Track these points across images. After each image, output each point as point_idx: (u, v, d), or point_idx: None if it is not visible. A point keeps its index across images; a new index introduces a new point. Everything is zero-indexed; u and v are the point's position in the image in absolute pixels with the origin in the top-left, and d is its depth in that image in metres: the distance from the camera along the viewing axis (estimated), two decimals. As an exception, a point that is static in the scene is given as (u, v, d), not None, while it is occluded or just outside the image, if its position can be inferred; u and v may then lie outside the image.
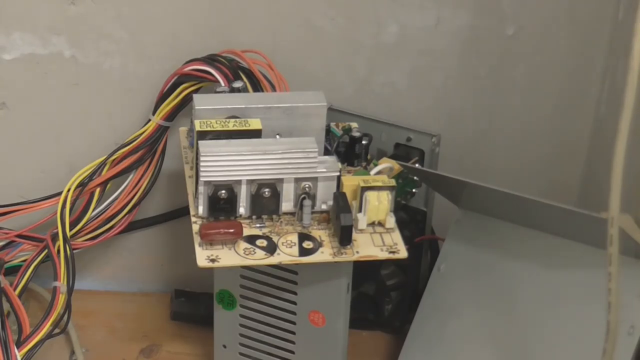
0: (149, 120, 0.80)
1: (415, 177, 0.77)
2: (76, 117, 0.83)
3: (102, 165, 0.79)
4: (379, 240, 0.64)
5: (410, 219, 0.80)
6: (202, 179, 0.62)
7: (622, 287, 0.56)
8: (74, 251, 0.76)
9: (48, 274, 0.75)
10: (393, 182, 0.64)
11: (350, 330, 0.71)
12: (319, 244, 0.63)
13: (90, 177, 0.78)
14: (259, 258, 0.62)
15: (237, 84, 0.72)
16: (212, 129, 0.64)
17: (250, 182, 0.63)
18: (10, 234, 0.80)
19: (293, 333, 0.72)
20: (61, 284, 0.73)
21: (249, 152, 0.62)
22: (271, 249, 0.62)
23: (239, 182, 0.63)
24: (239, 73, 0.76)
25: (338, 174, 0.64)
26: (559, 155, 0.90)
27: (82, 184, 0.78)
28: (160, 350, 0.82)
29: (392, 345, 0.83)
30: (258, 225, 0.64)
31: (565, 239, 0.70)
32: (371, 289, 0.83)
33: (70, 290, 0.73)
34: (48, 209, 0.80)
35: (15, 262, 0.80)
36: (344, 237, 0.62)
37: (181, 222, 0.85)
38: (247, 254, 0.62)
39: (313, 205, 0.64)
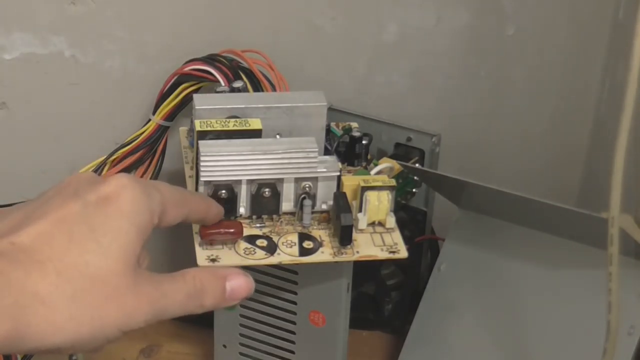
0: (149, 120, 0.80)
1: (415, 177, 0.77)
2: (76, 117, 0.83)
3: (102, 165, 0.79)
4: (379, 240, 0.64)
5: (410, 219, 0.80)
6: (202, 178, 0.62)
7: (622, 287, 0.56)
8: (74, 251, 0.76)
9: (48, 274, 0.75)
10: (393, 182, 0.64)
11: (350, 330, 0.71)
12: (319, 244, 0.63)
13: (90, 177, 0.78)
14: (259, 258, 0.62)
15: (237, 84, 0.72)
16: (212, 128, 0.64)
17: (250, 182, 0.63)
18: (10, 234, 0.80)
19: (293, 333, 0.72)
20: (61, 283, 0.73)
21: (249, 152, 0.62)
22: (271, 249, 0.62)
23: (239, 182, 0.63)
24: (239, 73, 0.76)
25: (338, 173, 0.64)
26: (559, 155, 0.90)
27: (82, 184, 0.78)
28: (160, 350, 0.82)
29: (392, 345, 0.83)
30: (258, 225, 0.64)
31: (565, 239, 0.70)
32: (371, 289, 0.83)
33: (70, 290, 0.73)
34: (48, 209, 0.80)
35: (15, 262, 0.80)
36: (344, 237, 0.62)
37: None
38: (247, 254, 0.62)
39: (313, 205, 0.64)
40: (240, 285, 0.53)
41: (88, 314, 0.47)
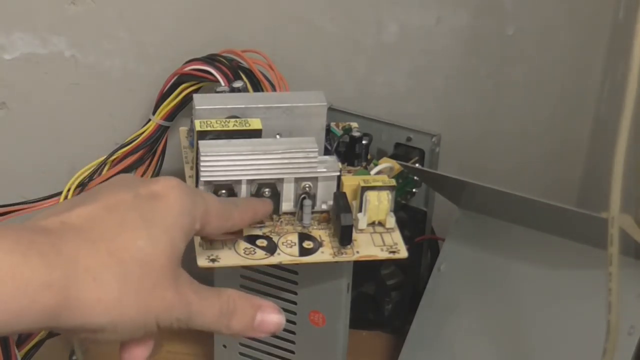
0: (149, 120, 0.80)
1: (415, 177, 0.77)
2: (76, 117, 0.83)
3: (102, 165, 0.79)
4: (379, 240, 0.64)
5: (410, 219, 0.80)
6: (202, 179, 0.62)
7: (622, 287, 0.56)
8: (74, 251, 0.76)
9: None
10: (393, 182, 0.64)
11: (350, 330, 0.71)
12: (319, 244, 0.63)
13: (90, 177, 0.78)
14: (259, 258, 0.62)
15: (237, 84, 0.72)
16: (212, 128, 0.64)
17: (250, 182, 0.63)
18: (10, 234, 0.80)
19: (293, 333, 0.72)
20: (61, 284, 0.72)
21: (249, 152, 0.62)
22: (271, 248, 0.62)
23: (239, 182, 0.63)
24: (239, 73, 0.76)
25: (338, 173, 0.64)
26: (559, 155, 0.90)
27: (82, 184, 0.78)
28: (160, 350, 0.82)
29: (392, 345, 0.83)
30: (258, 225, 0.64)
31: (565, 239, 0.70)
32: (371, 289, 0.83)
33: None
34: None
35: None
36: (344, 237, 0.62)
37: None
38: (247, 254, 0.62)
39: (313, 205, 0.64)
40: (272, 320, 0.53)
41: (135, 298, 0.47)
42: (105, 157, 0.79)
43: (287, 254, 0.62)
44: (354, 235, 0.63)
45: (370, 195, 0.64)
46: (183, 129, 0.74)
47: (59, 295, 0.44)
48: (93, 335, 0.47)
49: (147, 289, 0.47)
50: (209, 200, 0.53)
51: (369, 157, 0.71)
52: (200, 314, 0.50)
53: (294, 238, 0.63)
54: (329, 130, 0.70)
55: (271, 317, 0.53)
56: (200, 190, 0.53)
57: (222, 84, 0.75)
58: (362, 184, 0.64)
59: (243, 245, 0.62)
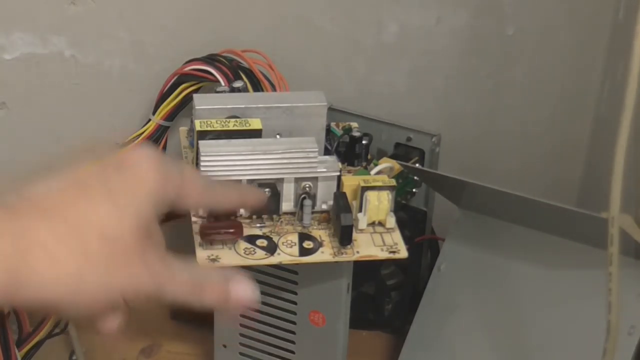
0: (149, 120, 0.80)
1: (415, 177, 0.77)
2: (76, 117, 0.83)
3: (102, 165, 0.79)
4: (379, 240, 0.64)
5: (410, 219, 0.80)
6: (202, 178, 0.62)
7: (622, 287, 0.56)
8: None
9: (48, 274, 0.74)
10: (393, 182, 0.64)
11: (350, 330, 0.71)
12: (319, 244, 0.63)
13: (90, 177, 0.78)
14: (259, 258, 0.62)
15: (237, 84, 0.72)
16: (212, 128, 0.64)
17: (250, 182, 0.63)
18: (10, 234, 0.80)
19: (293, 333, 0.72)
20: (61, 283, 0.72)
21: (249, 152, 0.62)
22: (271, 249, 0.62)
23: (239, 182, 0.63)
24: (239, 73, 0.76)
25: (338, 173, 0.64)
26: (559, 155, 0.90)
27: (82, 184, 0.78)
28: (160, 350, 0.82)
29: (392, 345, 0.83)
30: (258, 225, 0.64)
31: (565, 239, 0.70)
32: (371, 289, 0.83)
33: (70, 290, 0.73)
34: (48, 209, 0.80)
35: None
36: (344, 237, 0.62)
37: (181, 222, 0.85)
38: (247, 254, 0.62)
39: (313, 205, 0.64)
40: (245, 291, 0.52)
41: (95, 274, 0.46)
42: (105, 157, 0.79)
43: (287, 254, 0.62)
44: (354, 235, 0.63)
45: (370, 195, 0.64)
46: (183, 129, 0.74)
47: (10, 271, 0.43)
48: (54, 311, 0.46)
49: (109, 263, 0.46)
50: (186, 172, 0.52)
51: (369, 157, 0.71)
52: (170, 287, 0.49)
53: (294, 238, 0.63)
54: (329, 130, 0.70)
55: (243, 288, 0.51)
56: (178, 162, 0.52)
57: (222, 84, 0.75)
58: (362, 184, 0.64)
59: (243, 245, 0.62)
